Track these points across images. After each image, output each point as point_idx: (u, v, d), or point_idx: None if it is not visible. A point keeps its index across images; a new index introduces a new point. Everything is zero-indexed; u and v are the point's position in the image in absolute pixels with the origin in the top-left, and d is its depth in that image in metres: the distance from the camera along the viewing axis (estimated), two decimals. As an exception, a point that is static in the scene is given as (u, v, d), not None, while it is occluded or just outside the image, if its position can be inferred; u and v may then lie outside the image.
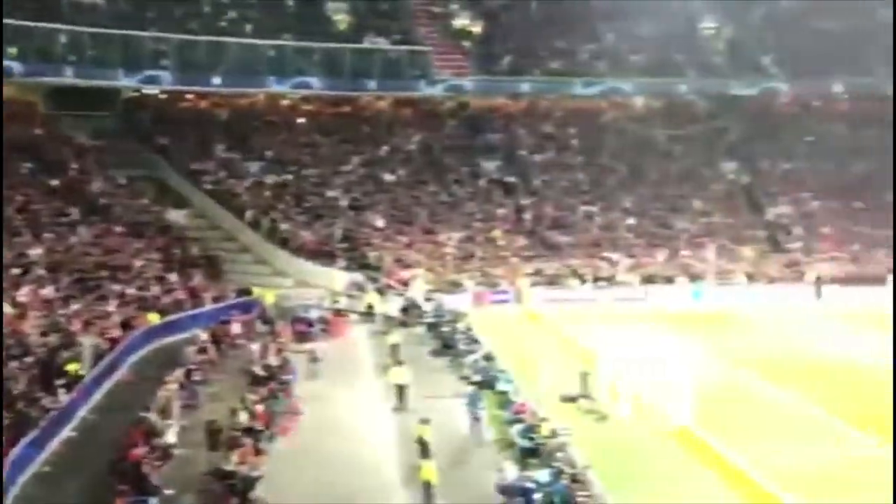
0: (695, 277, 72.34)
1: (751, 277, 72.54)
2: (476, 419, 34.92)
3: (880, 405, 39.73)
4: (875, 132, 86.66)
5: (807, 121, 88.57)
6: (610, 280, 71.40)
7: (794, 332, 57.54)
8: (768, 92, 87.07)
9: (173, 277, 57.07)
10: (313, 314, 56.08)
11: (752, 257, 74.91)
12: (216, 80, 75.42)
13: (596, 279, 71.10)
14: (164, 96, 77.70)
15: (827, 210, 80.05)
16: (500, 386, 40.06)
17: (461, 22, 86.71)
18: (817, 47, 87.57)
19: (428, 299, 61.07)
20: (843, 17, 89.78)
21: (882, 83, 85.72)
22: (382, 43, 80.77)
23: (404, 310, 58.60)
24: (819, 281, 71.94)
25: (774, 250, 76.34)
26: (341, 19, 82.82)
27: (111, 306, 49.36)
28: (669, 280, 72.03)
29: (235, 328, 51.81)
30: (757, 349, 52.17)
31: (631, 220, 78.27)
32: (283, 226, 69.63)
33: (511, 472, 29.08)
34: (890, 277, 72.22)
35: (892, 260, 74.19)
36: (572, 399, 39.66)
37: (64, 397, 36.70)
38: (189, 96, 79.69)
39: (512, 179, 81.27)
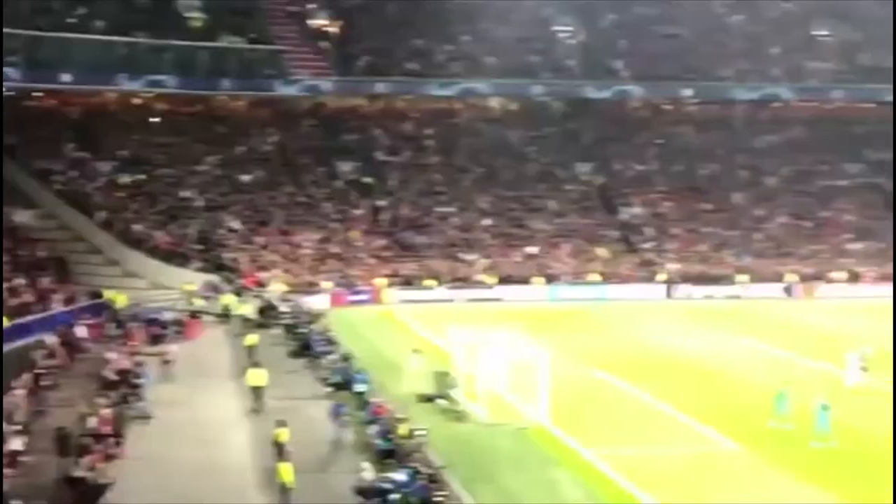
0: (550, 277, 73.32)
1: (605, 277, 73.85)
2: (340, 424, 34.62)
3: (726, 401, 40.88)
4: (721, 135, 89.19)
5: (657, 124, 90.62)
6: (466, 280, 71.92)
7: (646, 331, 58.69)
8: (620, 95, 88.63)
9: (20, 280, 55.38)
10: (167, 316, 55.17)
11: (606, 257, 76.26)
12: (66, 78, 73.41)
13: (453, 279, 71.53)
14: (10, 94, 75.35)
15: (677, 211, 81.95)
16: (358, 387, 39.90)
17: (318, 22, 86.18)
18: (667, 52, 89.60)
19: (285, 300, 60.62)
20: (691, 23, 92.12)
21: (728, 88, 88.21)
22: (238, 42, 79.75)
23: (261, 311, 58.02)
24: (670, 280, 73.67)
25: (627, 250, 77.87)
26: (195, 17, 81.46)
27: (-45, 310, 47.67)
28: (525, 280, 72.87)
29: (85, 332, 50.58)
30: (610, 347, 53.10)
31: (487, 221, 78.94)
32: (137, 227, 68.30)
33: (368, 473, 29.01)
34: (738, 277, 74.40)
35: (737, 260, 76.46)
36: (430, 399, 39.80)
37: None
38: (37, 94, 77.54)
39: (369, 180, 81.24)
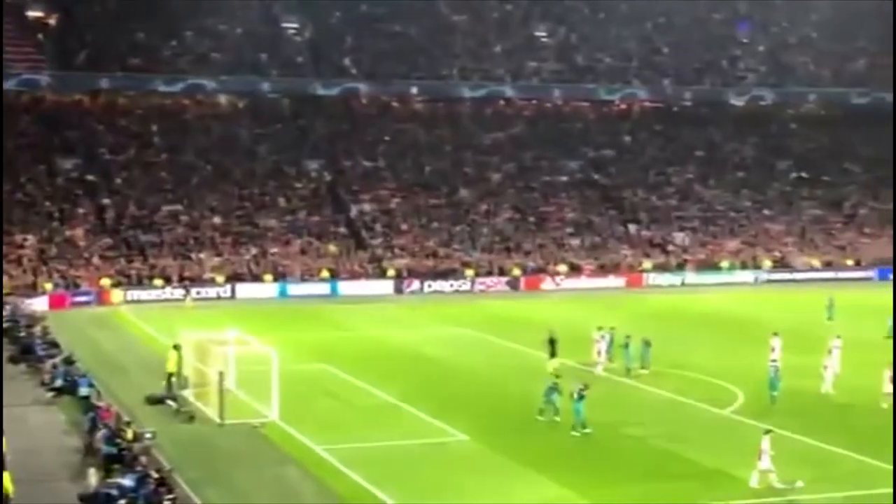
0: (281, 275, 73.10)
1: (335, 273, 74.20)
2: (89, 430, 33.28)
3: (455, 393, 41.83)
4: (448, 132, 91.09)
5: (385, 121, 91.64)
6: (196, 279, 70.85)
7: (376, 326, 59.31)
8: (349, 92, 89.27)
9: None
10: None
11: (336, 254, 76.61)
12: None
13: (182, 278, 70.33)
14: None
15: (405, 207, 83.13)
16: (83, 391, 38.67)
17: (35, 13, 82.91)
18: (394, 50, 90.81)
19: (2, 304, 58.02)
20: (417, 22, 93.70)
21: (453, 86, 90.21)
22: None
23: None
24: (399, 275, 74.69)
25: (357, 247, 78.41)
26: None
27: None
28: (256, 278, 72.40)
29: None
30: (341, 343, 53.44)
31: (216, 219, 77.94)
32: None
33: (94, 479, 28.17)
34: (466, 272, 76.17)
35: (465, 255, 78.23)
36: (159, 401, 38.97)
37: None
38: None
39: (92, 178, 78.79)
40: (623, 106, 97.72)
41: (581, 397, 35.18)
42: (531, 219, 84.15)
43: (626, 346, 45.33)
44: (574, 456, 32.95)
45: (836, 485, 29.08)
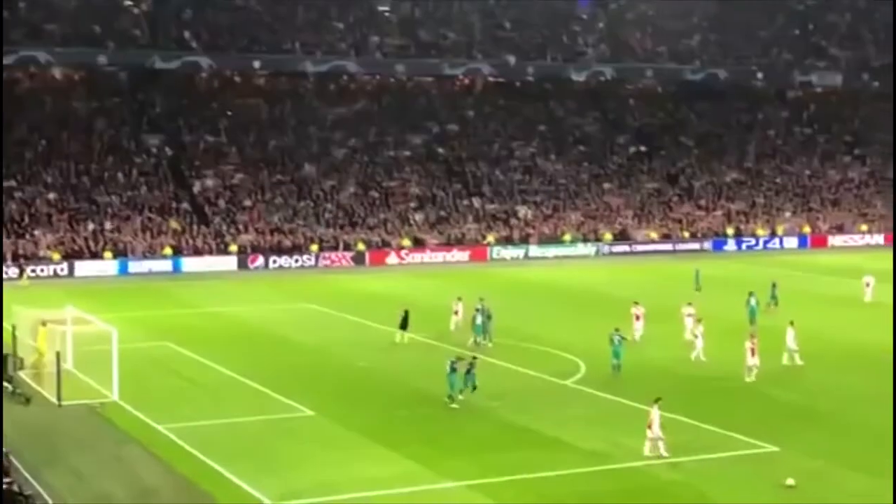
0: (121, 252, 71.63)
1: (177, 250, 73.01)
2: None
3: (299, 368, 41.65)
4: (291, 107, 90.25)
5: (228, 95, 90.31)
6: (32, 257, 68.97)
7: (219, 302, 58.59)
8: (189, 66, 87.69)
9: None
10: None
11: (179, 230, 75.34)
12: None
13: (16, 257, 68.39)
14: None
15: (249, 183, 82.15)
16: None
17: None
18: (235, 23, 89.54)
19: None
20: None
21: (297, 60, 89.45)
22: None
23: None
24: (243, 251, 73.90)
25: (201, 223, 77.21)
26: None
27: None
28: (95, 255, 70.77)
29: None
30: (184, 320, 52.70)
31: (52, 195, 75.84)
32: None
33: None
34: (311, 247, 75.78)
35: (310, 231, 77.79)
36: (-8, 383, 37.82)
37: None
38: None
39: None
40: (466, 81, 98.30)
41: (453, 370, 35.52)
42: (375, 194, 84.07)
43: (474, 319, 45.92)
44: (421, 429, 33.15)
45: (678, 452, 29.80)
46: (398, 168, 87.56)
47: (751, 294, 50.43)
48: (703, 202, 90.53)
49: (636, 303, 47.16)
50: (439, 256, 77.51)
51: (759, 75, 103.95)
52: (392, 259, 76.48)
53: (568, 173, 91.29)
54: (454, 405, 35.14)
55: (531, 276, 69.74)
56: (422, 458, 29.67)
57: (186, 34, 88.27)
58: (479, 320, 45.74)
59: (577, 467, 29.02)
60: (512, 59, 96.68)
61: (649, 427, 29.59)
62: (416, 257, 76.99)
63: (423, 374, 39.94)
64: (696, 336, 42.38)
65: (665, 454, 29.30)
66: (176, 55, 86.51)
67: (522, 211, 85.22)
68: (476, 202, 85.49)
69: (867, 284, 58.03)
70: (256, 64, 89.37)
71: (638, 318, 46.17)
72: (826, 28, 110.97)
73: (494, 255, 79.15)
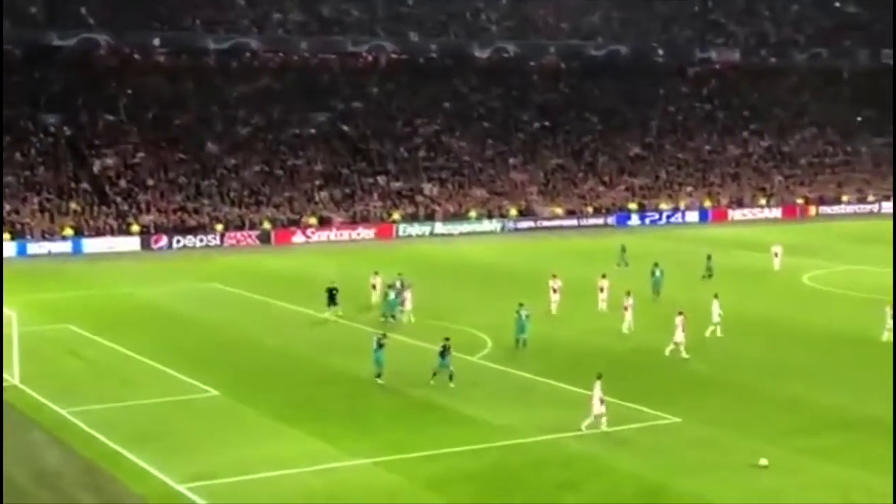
0: (18, 233, 70.26)
1: (78, 230, 71.81)
2: None
3: (203, 349, 41.30)
4: (193, 85, 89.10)
5: (127, 73, 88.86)
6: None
7: (121, 283, 57.77)
8: (87, 43, 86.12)
9: None
10: None
11: (79, 211, 74.08)
12: None
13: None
14: None
15: (151, 162, 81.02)
16: None
17: None
18: None
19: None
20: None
21: (197, 37, 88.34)
22: None
23: None
24: (145, 231, 72.92)
25: (102, 203, 75.97)
26: None
27: None
28: (-8, 237, 69.37)
29: None
30: (85, 302, 51.88)
31: (-54, 176, 74.12)
32: None
33: None
34: (216, 226, 75.03)
35: (214, 210, 77.02)
36: None
37: None
38: None
39: None
40: (370, 58, 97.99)
41: (381, 346, 35.44)
42: (280, 172, 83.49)
43: (386, 295, 46.05)
44: (328, 408, 33.06)
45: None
46: (303, 146, 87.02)
47: (655, 265, 51.18)
48: (606, 177, 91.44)
49: (554, 275, 47.60)
50: (345, 234, 77.30)
51: (660, 51, 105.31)
52: (298, 237, 76.07)
53: (472, 150, 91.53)
54: (380, 381, 35.19)
55: (437, 253, 69.88)
56: (329, 437, 29.61)
57: (83, 10, 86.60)
58: (391, 296, 45.83)
59: (486, 442, 29.21)
60: (415, 37, 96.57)
61: (591, 402, 29.84)
62: (323, 235, 76.67)
63: (332, 352, 39.94)
64: (626, 308, 42.77)
65: (605, 429, 29.72)
66: (73, 32, 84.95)
67: (428, 188, 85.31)
68: (381, 180, 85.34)
69: (775, 254, 59.58)
70: (156, 41, 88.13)
71: (555, 290, 46.58)
72: (725, 5, 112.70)
73: (400, 233, 79.15)
